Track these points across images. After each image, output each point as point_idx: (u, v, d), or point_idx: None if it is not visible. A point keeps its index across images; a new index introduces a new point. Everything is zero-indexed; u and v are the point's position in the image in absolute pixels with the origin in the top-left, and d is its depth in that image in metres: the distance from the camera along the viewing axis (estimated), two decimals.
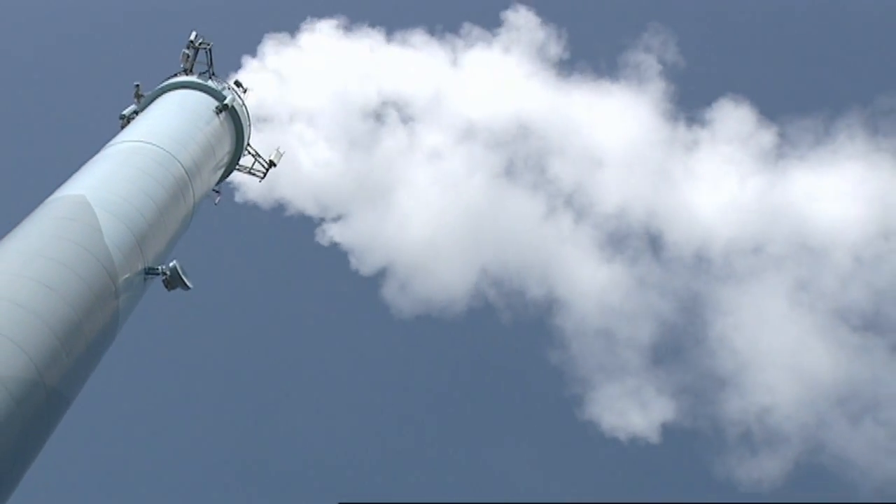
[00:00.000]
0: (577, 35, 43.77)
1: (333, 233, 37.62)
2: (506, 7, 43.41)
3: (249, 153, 31.63)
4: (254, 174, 32.77)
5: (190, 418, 54.77)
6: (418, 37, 41.48)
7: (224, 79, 30.72)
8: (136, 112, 27.58)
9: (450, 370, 57.23)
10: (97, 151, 22.66)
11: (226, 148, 28.20)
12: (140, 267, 19.12)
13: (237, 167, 30.76)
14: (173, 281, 20.04)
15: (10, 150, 63.41)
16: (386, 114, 39.40)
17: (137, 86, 28.46)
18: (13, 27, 67.73)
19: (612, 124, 41.68)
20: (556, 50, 42.60)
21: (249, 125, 30.53)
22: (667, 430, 40.04)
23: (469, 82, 41.06)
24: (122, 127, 26.40)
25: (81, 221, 18.14)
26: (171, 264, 20.11)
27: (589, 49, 43.59)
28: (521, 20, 43.01)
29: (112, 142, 23.33)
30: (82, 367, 16.20)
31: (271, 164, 32.93)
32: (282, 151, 33.53)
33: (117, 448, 51.81)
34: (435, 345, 56.24)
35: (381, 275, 39.20)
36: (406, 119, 39.66)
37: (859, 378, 35.78)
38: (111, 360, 18.17)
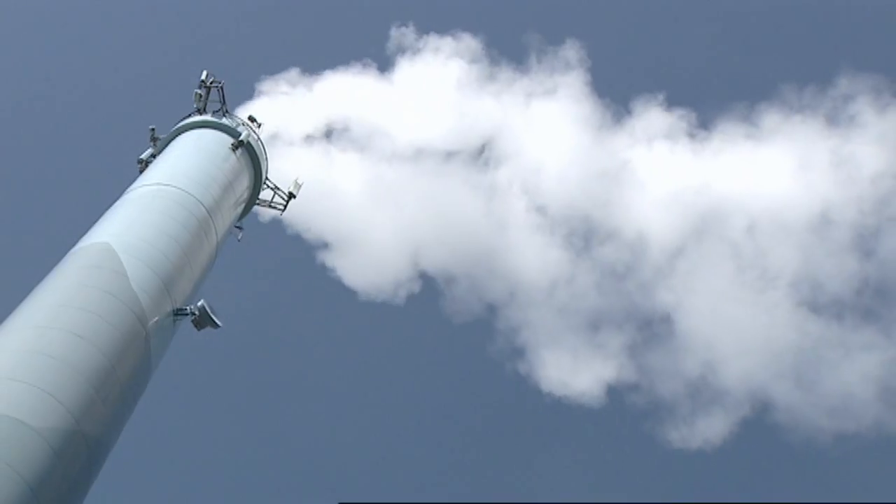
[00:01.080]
0: (498, 45, 46.22)
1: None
2: (427, 32, 46.33)
3: (268, 186, 31.69)
4: (274, 207, 32.78)
5: (193, 419, 55.72)
6: (352, 67, 43.22)
7: (234, 114, 30.86)
8: (153, 155, 27.76)
9: (446, 370, 59.00)
10: (118, 197, 22.84)
11: (244, 183, 28.30)
12: (168, 309, 19.21)
13: (257, 201, 30.87)
14: (202, 320, 20.11)
15: (32, 201, 64.19)
16: (331, 134, 40.31)
17: (153, 129, 28.66)
18: (28, 74, 68.66)
19: (539, 125, 43.98)
20: (479, 59, 45.12)
21: (266, 159, 30.64)
22: (613, 391, 42.46)
23: (401, 96, 42.71)
24: (141, 171, 26.57)
25: (107, 268, 18.25)
26: (199, 304, 20.18)
27: (511, 56, 45.90)
28: (444, 42, 45.87)
29: (132, 186, 23.50)
30: (119, 413, 16.27)
31: (291, 195, 32.89)
32: (300, 182, 33.47)
33: (157, 487, 52.25)
34: (405, 332, 57.97)
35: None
36: (350, 140, 40.70)
37: (802, 342, 37.81)
38: (146, 403, 18.29)
